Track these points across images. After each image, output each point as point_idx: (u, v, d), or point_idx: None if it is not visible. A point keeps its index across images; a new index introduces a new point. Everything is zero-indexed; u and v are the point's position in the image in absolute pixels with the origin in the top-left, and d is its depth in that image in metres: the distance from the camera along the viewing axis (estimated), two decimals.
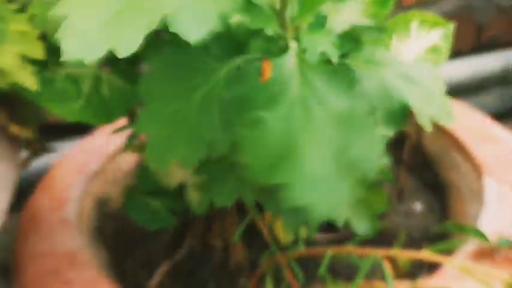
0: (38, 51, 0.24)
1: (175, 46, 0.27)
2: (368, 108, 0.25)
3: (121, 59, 0.20)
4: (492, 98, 1.01)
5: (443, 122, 0.29)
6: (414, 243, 0.45)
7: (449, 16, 0.95)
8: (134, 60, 0.34)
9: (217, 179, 0.34)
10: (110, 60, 0.33)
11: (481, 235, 0.34)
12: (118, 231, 0.53)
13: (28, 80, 0.24)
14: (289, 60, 0.25)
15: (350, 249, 0.33)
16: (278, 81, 0.24)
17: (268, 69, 0.24)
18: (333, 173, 0.24)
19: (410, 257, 0.31)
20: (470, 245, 0.35)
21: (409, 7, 1.05)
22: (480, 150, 0.48)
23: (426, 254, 0.31)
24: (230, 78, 0.26)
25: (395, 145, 0.54)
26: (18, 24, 0.24)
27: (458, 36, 1.12)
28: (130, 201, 0.44)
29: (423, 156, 0.57)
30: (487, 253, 0.34)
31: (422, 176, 0.56)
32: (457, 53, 0.95)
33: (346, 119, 0.25)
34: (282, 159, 0.24)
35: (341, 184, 0.24)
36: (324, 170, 0.24)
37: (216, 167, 0.33)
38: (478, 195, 0.43)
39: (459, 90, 0.92)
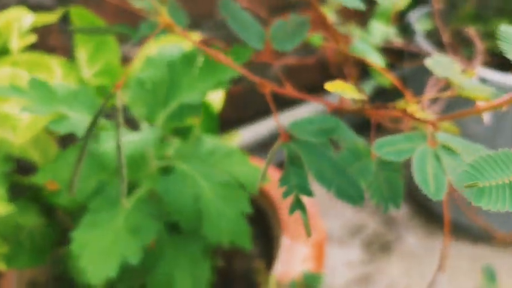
0: None
1: None
2: None
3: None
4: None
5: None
6: (251, 281, 0.71)
7: None
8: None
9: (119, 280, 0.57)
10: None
11: (270, 280, 0.61)
12: None
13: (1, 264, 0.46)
14: None
15: None
16: None
17: None
18: None
19: None
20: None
21: None
22: (285, 214, 0.75)
23: None
24: None
25: None
26: None
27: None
28: None
29: (261, 213, 0.84)
30: None
31: (258, 227, 0.82)
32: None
33: None
34: None
35: None
36: None
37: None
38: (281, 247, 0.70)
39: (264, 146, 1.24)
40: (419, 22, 0.91)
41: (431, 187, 0.27)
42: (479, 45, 0.89)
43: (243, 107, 1.30)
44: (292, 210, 0.33)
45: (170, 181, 0.41)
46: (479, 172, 0.21)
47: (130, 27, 0.37)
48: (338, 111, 0.36)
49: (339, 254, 1.13)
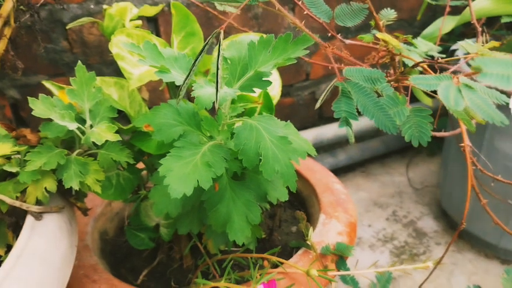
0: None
1: None
2: None
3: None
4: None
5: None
6: (287, 251, 0.82)
7: None
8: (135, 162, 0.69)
9: (180, 220, 0.68)
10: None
11: (307, 246, 0.71)
12: (113, 251, 0.86)
13: (97, 189, 0.59)
14: None
15: (240, 255, 0.69)
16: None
17: None
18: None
19: (269, 259, 0.68)
20: (302, 250, 0.72)
21: (317, 79, 1.45)
22: (322, 197, 0.85)
23: (273, 258, 0.67)
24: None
25: None
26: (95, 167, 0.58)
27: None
28: (128, 233, 0.78)
29: (299, 197, 0.94)
30: (308, 254, 0.71)
31: (298, 209, 0.93)
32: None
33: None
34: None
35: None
36: None
37: (181, 216, 0.67)
38: (318, 222, 0.80)
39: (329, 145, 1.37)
40: (463, 48, 1.00)
41: (451, 102, 0.37)
42: None
43: (290, 117, 1.42)
44: (341, 125, 0.45)
45: (239, 129, 0.53)
46: (485, 64, 0.35)
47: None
48: None
49: (369, 257, 1.20)
